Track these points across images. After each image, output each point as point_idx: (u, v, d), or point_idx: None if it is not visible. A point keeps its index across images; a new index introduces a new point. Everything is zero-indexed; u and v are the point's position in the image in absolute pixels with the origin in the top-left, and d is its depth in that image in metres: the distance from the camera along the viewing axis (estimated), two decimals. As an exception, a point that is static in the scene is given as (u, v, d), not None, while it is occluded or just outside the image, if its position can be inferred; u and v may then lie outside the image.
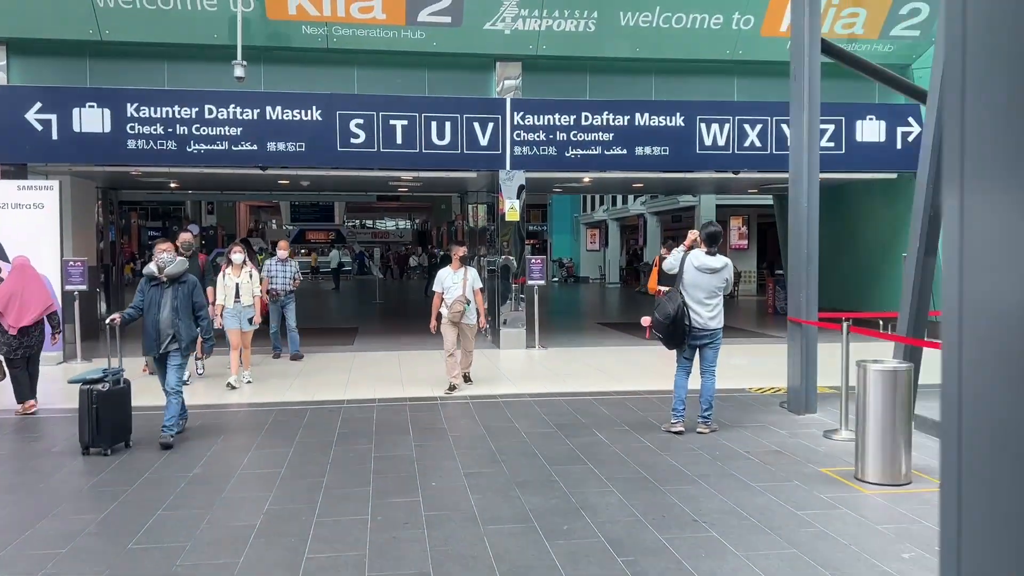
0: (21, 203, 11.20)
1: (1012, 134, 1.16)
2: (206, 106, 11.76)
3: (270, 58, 12.59)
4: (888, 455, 5.55)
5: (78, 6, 11.44)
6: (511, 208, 12.66)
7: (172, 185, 15.81)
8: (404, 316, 20.26)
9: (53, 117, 11.34)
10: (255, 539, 4.63)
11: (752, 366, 10.79)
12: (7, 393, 8.20)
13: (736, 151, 12.98)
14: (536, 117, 12.50)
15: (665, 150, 12.84)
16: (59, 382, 9.69)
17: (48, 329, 8.31)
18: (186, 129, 11.74)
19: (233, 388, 9.17)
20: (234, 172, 12.56)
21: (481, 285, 9.20)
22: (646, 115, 12.75)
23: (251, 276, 9.29)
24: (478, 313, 9.15)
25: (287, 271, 11.61)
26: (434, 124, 12.25)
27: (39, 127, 11.32)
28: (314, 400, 8.72)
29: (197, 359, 9.84)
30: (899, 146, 13.32)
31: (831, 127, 12.93)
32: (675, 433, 7.05)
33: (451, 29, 12.29)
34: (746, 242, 26.58)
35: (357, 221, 66.90)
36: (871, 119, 13.20)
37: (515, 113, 12.44)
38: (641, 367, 10.95)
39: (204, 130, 11.79)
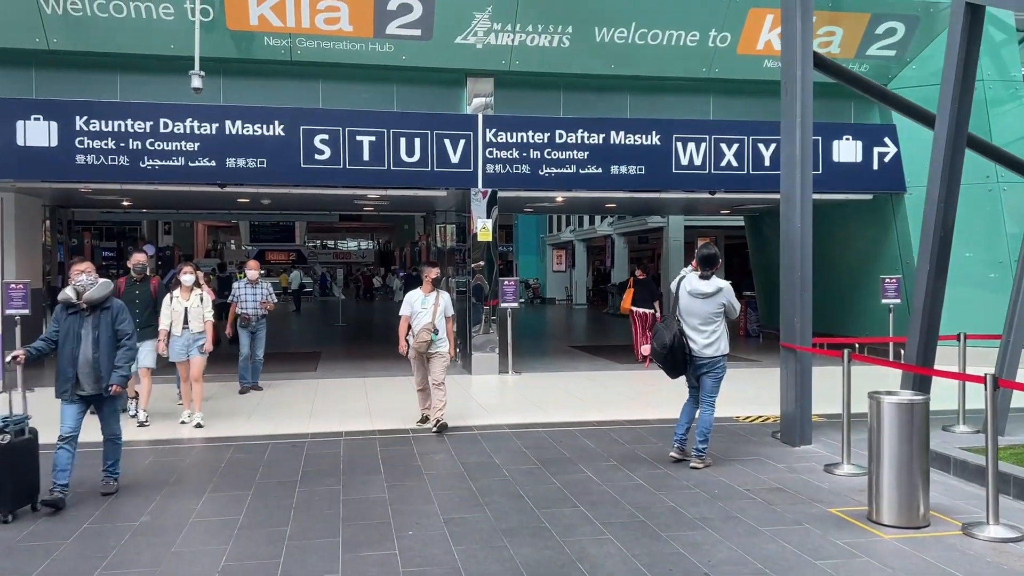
0: (-42, 221, 10.43)
1: None
2: (161, 120, 11.13)
3: (230, 70, 11.99)
4: (905, 495, 5.13)
5: (24, 13, 10.73)
6: (483, 228, 12.18)
7: (125, 203, 15.08)
8: (368, 339, 19.60)
9: (-6, 130, 10.61)
10: (209, 605, 4.04)
11: (734, 392, 10.31)
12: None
13: (713, 171, 12.68)
14: (509, 134, 12.07)
15: (641, 169, 12.48)
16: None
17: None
18: (139, 144, 11.09)
19: (184, 423, 8.41)
20: (191, 190, 11.90)
21: (453, 312, 8.28)
22: (621, 133, 12.40)
23: (202, 300, 8.51)
24: (448, 342, 8.21)
25: (258, 294, 10.69)
26: (403, 140, 11.75)
27: (-21, 140, 10.57)
28: (275, 434, 8.09)
29: (131, 399, 8.67)
30: (875, 166, 13.14)
31: (809, 147, 12.68)
32: (672, 460, 6.76)
33: (421, 42, 11.82)
34: (714, 263, 26.34)
35: (318, 241, 66.03)
36: (848, 139, 13.00)
37: (487, 130, 12.00)
38: (619, 394, 10.49)
39: (159, 145, 11.15)
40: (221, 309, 10.88)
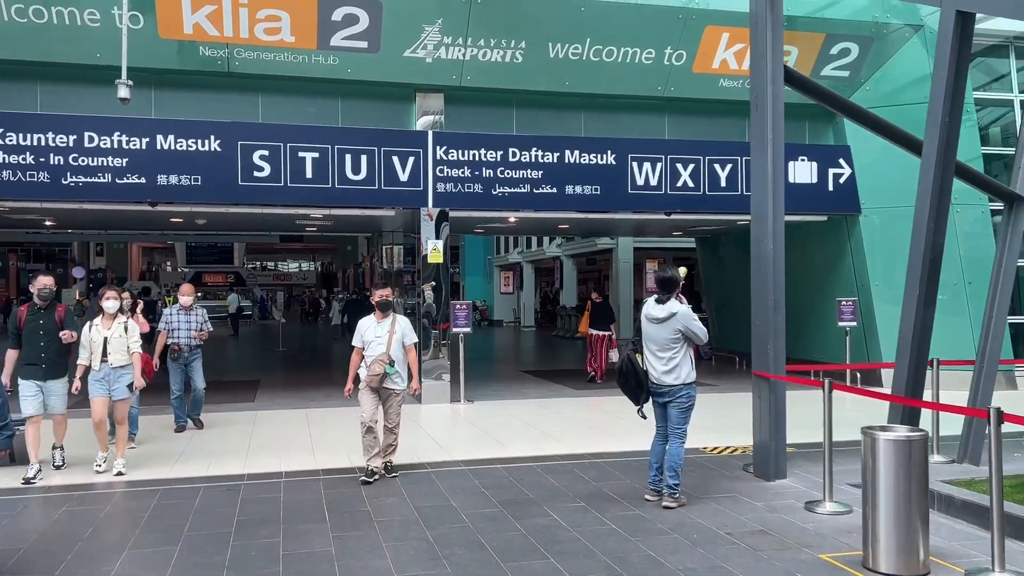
0: None
1: None
2: (86, 133, 10.33)
3: (162, 82, 11.24)
4: (904, 540, 4.72)
5: (-68, 16, 9.88)
6: (434, 249, 11.61)
7: (47, 223, 14.08)
8: (310, 365, 18.77)
9: None
10: None
11: (695, 419, 9.94)
12: None
13: (669, 191, 12.35)
14: (460, 152, 11.57)
15: (596, 189, 12.09)
16: None
17: None
18: (61, 159, 10.26)
19: (99, 470, 7.35)
20: (119, 208, 11.09)
21: (416, 339, 7.32)
22: (576, 152, 11.99)
23: (126, 329, 7.57)
24: (409, 375, 7.27)
25: (191, 322, 9.63)
26: (348, 157, 11.14)
27: None
28: (208, 475, 7.35)
29: (54, 448, 7.55)
30: (831, 187, 12.99)
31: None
32: (648, 502, 6.32)
33: (367, 55, 11.27)
34: (663, 285, 26.23)
35: (258, 263, 64.52)
36: (803, 160, 12.83)
37: (438, 147, 11.47)
38: (577, 423, 9.99)
39: (83, 160, 10.34)
40: (147, 339, 9.94)
